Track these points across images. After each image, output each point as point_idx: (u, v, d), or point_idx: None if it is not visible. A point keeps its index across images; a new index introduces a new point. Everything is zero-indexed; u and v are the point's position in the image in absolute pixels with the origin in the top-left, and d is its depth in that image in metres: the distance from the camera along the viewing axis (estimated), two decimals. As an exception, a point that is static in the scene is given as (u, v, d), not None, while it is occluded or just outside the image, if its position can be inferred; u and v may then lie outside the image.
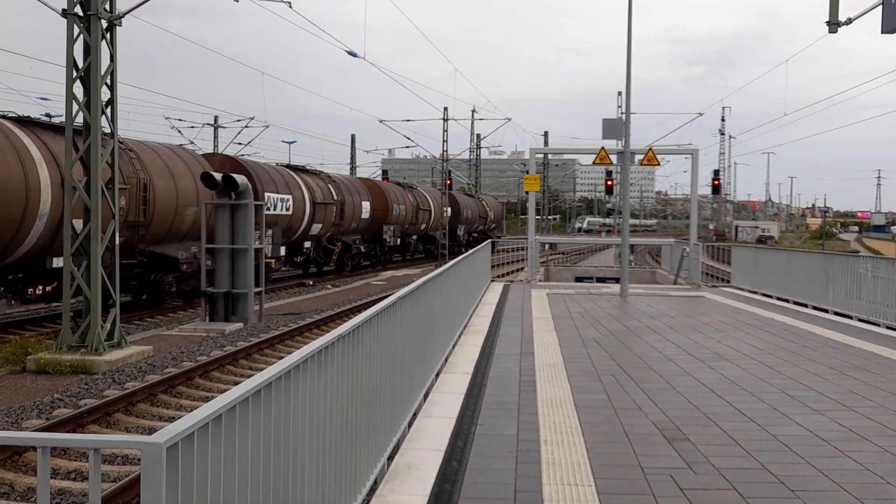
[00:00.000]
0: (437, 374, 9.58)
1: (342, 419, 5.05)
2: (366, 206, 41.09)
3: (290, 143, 79.14)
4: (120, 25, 14.59)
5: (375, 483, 5.87)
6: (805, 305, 18.28)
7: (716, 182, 44.47)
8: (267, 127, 47.63)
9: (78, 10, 14.06)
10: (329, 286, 33.14)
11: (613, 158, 23.03)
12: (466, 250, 29.44)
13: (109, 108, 14.67)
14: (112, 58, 14.56)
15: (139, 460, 8.90)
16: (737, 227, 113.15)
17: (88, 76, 14.18)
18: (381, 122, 49.23)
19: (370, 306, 6.01)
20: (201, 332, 18.62)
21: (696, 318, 15.58)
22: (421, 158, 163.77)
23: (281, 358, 15.89)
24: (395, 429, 6.76)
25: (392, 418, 6.63)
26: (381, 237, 43.66)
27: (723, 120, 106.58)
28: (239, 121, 47.07)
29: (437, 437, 6.94)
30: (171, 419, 11.16)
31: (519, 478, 5.82)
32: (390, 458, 6.41)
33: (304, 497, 4.30)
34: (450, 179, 60.30)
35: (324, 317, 21.08)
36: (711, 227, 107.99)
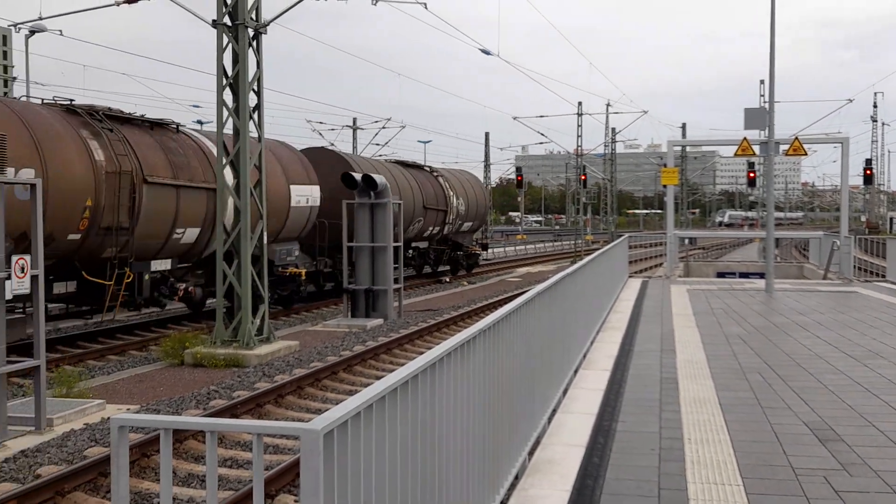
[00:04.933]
0: (576, 371, 9.54)
1: (484, 412, 5.13)
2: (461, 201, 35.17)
3: (425, 142, 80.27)
4: (265, 33, 15.25)
5: (516, 477, 5.92)
6: (971, 301, 17.07)
7: (868, 171, 42.17)
8: (403, 127, 48.58)
9: (227, 20, 14.79)
10: (465, 283, 33.46)
11: (756, 149, 22.20)
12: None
13: (256, 112, 15.35)
14: (258, 64, 15.23)
15: (289, 449, 9.30)
16: (892, 218, 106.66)
17: (237, 83, 14.89)
18: (514, 118, 49.30)
19: (506, 303, 6.05)
20: (344, 328, 19.22)
21: (848, 315, 14.83)
22: (554, 154, 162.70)
23: (420, 353, 16.18)
24: (535, 424, 6.80)
25: (532, 413, 6.67)
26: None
27: (875, 106, 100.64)
28: (376, 122, 48.18)
29: (578, 432, 6.93)
30: (318, 411, 11.58)
31: (662, 475, 5.74)
32: (531, 453, 6.45)
33: (448, 488, 4.40)
34: (584, 175, 59.62)
35: (460, 313, 21.33)
36: (863, 218, 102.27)
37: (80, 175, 14.68)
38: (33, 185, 10.11)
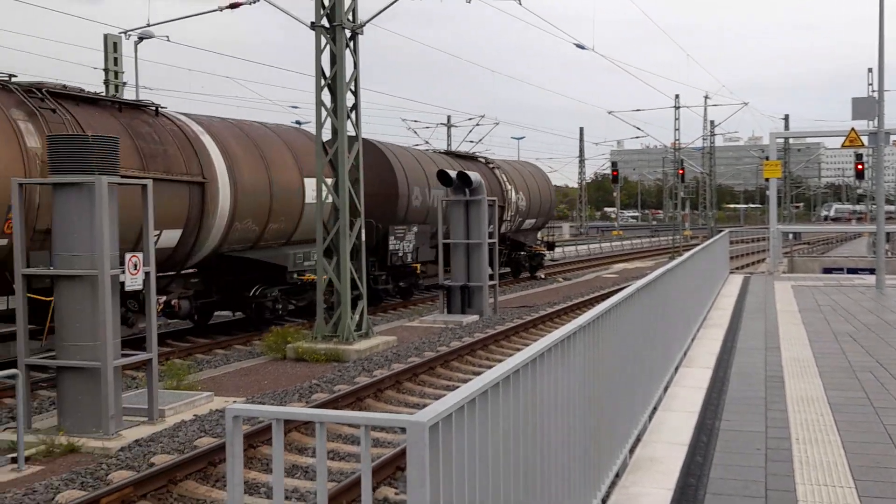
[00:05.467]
0: (676, 368, 9.38)
1: (585, 408, 5.11)
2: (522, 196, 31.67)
3: (518, 138, 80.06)
4: (362, 34, 15.50)
5: (617, 475, 5.87)
6: None
7: None
8: (497, 124, 48.58)
9: (324, 21, 15.09)
10: (560, 279, 33.25)
11: (864, 140, 21.34)
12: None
13: (353, 112, 15.62)
14: (355, 65, 15.49)
15: (388, 443, 9.42)
16: None
17: (335, 83, 15.18)
18: (609, 113, 48.66)
19: (603, 299, 6.01)
20: (440, 324, 19.38)
21: (967, 312, 14.12)
22: (651, 149, 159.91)
23: (516, 350, 16.19)
24: (636, 421, 6.73)
25: (632, 410, 6.60)
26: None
27: None
28: (470, 119, 48.28)
29: (680, 431, 6.82)
30: (416, 406, 11.73)
31: (769, 476, 5.60)
32: (631, 451, 6.38)
33: (550, 483, 4.40)
34: (682, 169, 58.38)
35: (556, 310, 21.22)
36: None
37: (4, 165, 11.77)
38: (144, 186, 10.55)
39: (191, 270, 16.65)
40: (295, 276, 17.92)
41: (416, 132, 45.40)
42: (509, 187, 30.15)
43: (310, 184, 17.87)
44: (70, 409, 9.81)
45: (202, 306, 16.95)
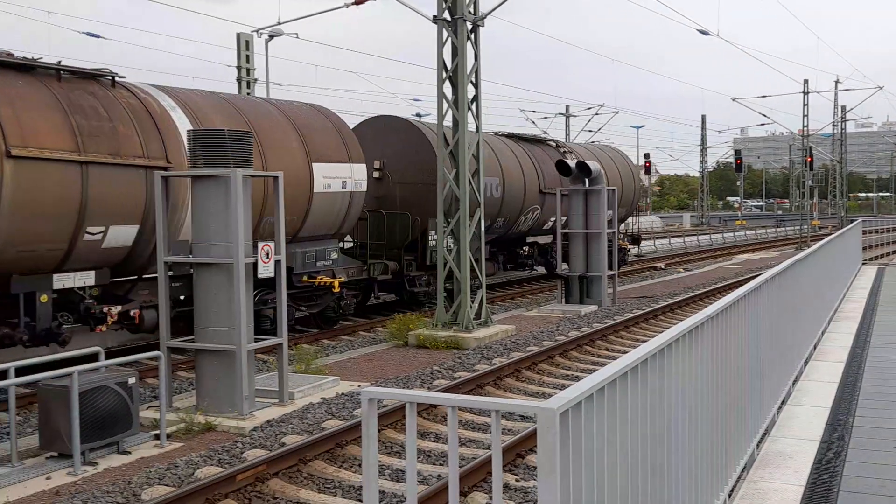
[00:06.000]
0: (806, 361, 9.12)
1: (712, 400, 5.07)
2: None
3: (638, 127, 78.56)
4: (482, 26, 15.61)
5: (744, 469, 5.80)
6: None
7: None
8: (616, 113, 47.96)
9: (446, 15, 15.28)
10: (681, 269, 32.58)
11: None
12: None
13: (474, 104, 15.77)
14: (476, 57, 15.62)
15: (507, 430, 9.49)
16: None
17: (456, 76, 15.37)
18: (733, 100, 47.20)
19: (726, 290, 5.91)
20: (558, 314, 19.35)
21: None
22: (776, 136, 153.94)
23: (637, 340, 16.01)
24: (764, 415, 6.61)
25: (760, 404, 6.48)
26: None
27: None
28: (589, 108, 47.79)
29: (810, 426, 6.66)
30: (536, 394, 11.80)
31: (907, 474, 5.42)
32: (759, 445, 6.28)
33: (676, 473, 4.41)
34: (811, 156, 56.07)
35: (677, 301, 20.83)
36: None
37: None
38: (276, 177, 11.00)
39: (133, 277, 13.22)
40: (304, 278, 15.42)
41: (534, 122, 45.27)
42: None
43: (321, 170, 15.35)
44: (207, 390, 10.36)
45: (179, 316, 13.13)
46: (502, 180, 21.53)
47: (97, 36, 28.51)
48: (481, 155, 16.07)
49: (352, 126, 18.61)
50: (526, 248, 25.45)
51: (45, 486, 7.87)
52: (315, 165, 15.30)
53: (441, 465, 8.69)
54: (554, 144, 26.29)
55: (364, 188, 16.77)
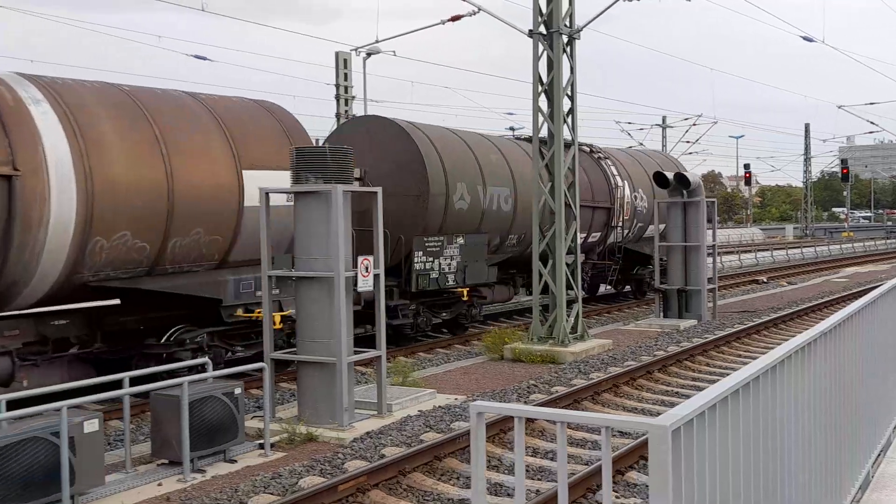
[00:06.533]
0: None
1: (825, 418, 4.92)
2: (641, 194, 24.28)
3: (737, 137, 76.64)
4: (579, 38, 15.55)
5: (859, 489, 5.58)
6: None
7: None
8: (715, 122, 46.98)
9: (542, 28, 15.29)
10: (784, 283, 31.60)
11: None
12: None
13: (570, 117, 15.70)
14: (572, 70, 15.57)
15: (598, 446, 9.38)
16: None
17: (552, 89, 15.34)
18: (839, 107, 45.63)
19: (833, 305, 5.72)
20: (656, 328, 19.02)
21: None
22: (885, 144, 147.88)
23: (739, 356, 15.59)
24: (879, 435, 6.35)
25: (875, 423, 6.24)
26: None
27: None
28: (686, 119, 46.94)
29: (930, 447, 6.36)
30: (635, 410, 11.62)
31: None
32: (874, 465, 6.04)
33: (789, 493, 4.29)
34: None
35: (780, 315, 20.20)
36: None
37: None
38: (374, 193, 11.19)
39: (38, 310, 11.06)
40: (239, 311, 12.57)
41: (629, 134, 44.74)
42: (622, 184, 22.88)
43: (252, 180, 12.46)
44: (308, 401, 10.57)
45: (76, 360, 11.31)
46: (514, 191, 18.25)
47: (203, 58, 29.60)
48: (577, 168, 15.98)
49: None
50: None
51: (157, 492, 8.17)
52: (247, 174, 12.57)
53: (537, 479, 8.65)
54: (588, 149, 22.73)
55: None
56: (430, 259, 16.09)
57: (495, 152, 18.63)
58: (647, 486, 7.95)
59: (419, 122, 17.53)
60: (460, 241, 16.81)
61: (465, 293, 17.37)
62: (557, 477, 3.37)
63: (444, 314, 17.48)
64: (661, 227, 21.30)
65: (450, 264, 16.56)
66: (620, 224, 22.82)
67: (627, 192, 23.18)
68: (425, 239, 16.00)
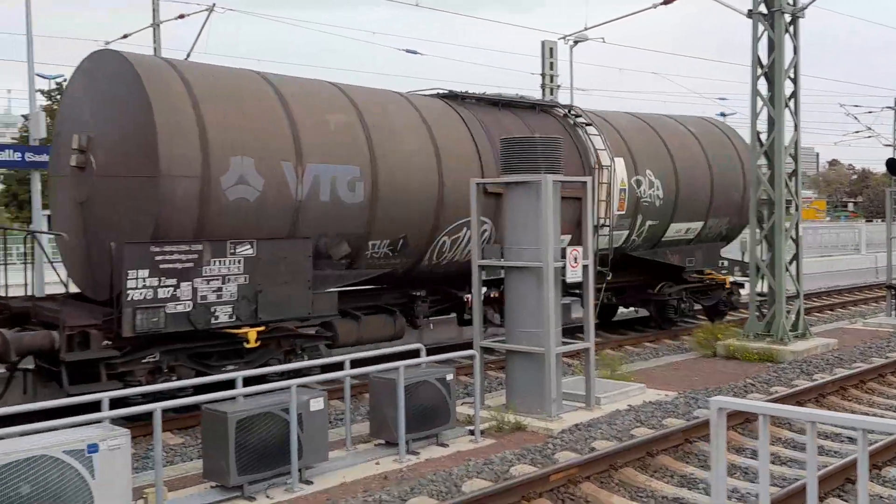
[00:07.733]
0: None
1: None
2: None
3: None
4: (803, 17, 14.61)
5: None
6: None
7: None
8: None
9: (762, 8, 14.48)
10: None
11: None
12: None
13: (792, 101, 14.80)
14: (795, 51, 14.66)
15: (834, 452, 8.76)
16: None
17: (772, 72, 14.51)
18: None
19: None
20: (887, 328, 17.58)
21: None
22: None
23: None
24: None
25: None
26: None
27: None
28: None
29: None
30: (864, 415, 10.77)
31: None
32: None
33: None
34: None
35: None
36: None
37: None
38: (584, 182, 11.04)
39: None
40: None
41: (856, 118, 41.63)
42: (610, 162, 14.98)
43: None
44: (517, 390, 10.61)
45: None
46: (372, 171, 11.69)
47: (415, 52, 30.56)
48: (798, 155, 15.03)
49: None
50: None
51: (375, 470, 8.49)
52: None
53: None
54: (562, 112, 15.38)
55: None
56: (168, 281, 9.64)
57: (404, 115, 12.53)
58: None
59: (195, 63, 11.75)
60: (245, 250, 10.33)
61: (254, 336, 10.39)
62: (807, 479, 3.15)
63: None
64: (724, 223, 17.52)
65: (219, 291, 10.11)
66: (608, 223, 14.92)
67: (622, 174, 15.42)
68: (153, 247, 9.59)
